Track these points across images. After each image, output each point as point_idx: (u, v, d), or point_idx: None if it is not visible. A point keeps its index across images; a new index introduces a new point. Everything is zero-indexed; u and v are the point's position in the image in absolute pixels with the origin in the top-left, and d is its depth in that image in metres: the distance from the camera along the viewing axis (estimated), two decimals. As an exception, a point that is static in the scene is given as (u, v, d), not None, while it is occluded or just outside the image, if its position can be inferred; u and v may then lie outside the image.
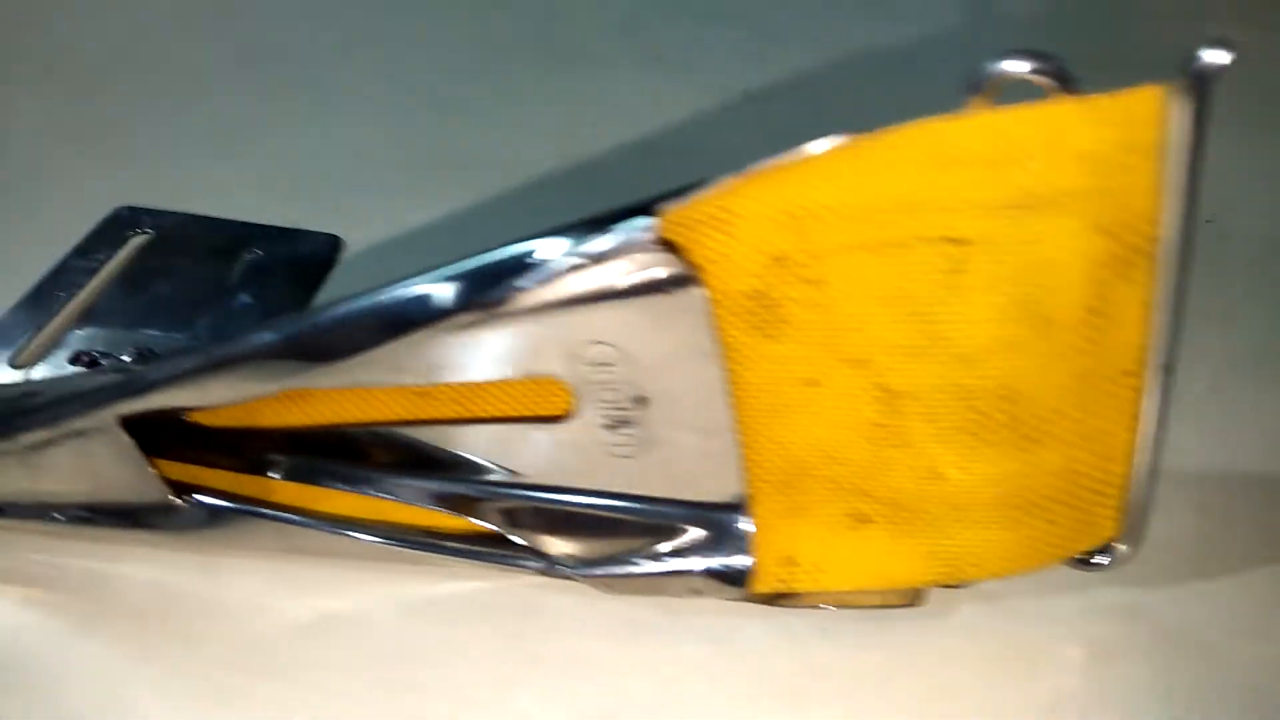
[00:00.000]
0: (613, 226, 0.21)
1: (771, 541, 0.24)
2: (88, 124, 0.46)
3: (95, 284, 0.35)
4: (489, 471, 0.26)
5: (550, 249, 0.21)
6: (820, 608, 0.25)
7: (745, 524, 0.24)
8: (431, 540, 0.26)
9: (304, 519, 0.26)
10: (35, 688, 0.25)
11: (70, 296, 0.35)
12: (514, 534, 0.25)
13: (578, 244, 0.21)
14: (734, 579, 0.25)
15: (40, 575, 0.27)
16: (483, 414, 0.26)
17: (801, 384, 0.23)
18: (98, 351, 0.32)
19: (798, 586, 0.25)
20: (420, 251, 0.36)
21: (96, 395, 0.25)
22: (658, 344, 0.23)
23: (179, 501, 0.26)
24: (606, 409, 0.24)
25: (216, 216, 0.38)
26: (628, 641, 0.25)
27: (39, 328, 0.33)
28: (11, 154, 0.44)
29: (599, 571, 0.25)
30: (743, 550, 0.25)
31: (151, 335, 0.32)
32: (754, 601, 0.25)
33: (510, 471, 0.25)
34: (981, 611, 0.26)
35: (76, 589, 0.27)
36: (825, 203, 0.21)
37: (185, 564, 0.27)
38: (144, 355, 0.31)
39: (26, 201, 0.41)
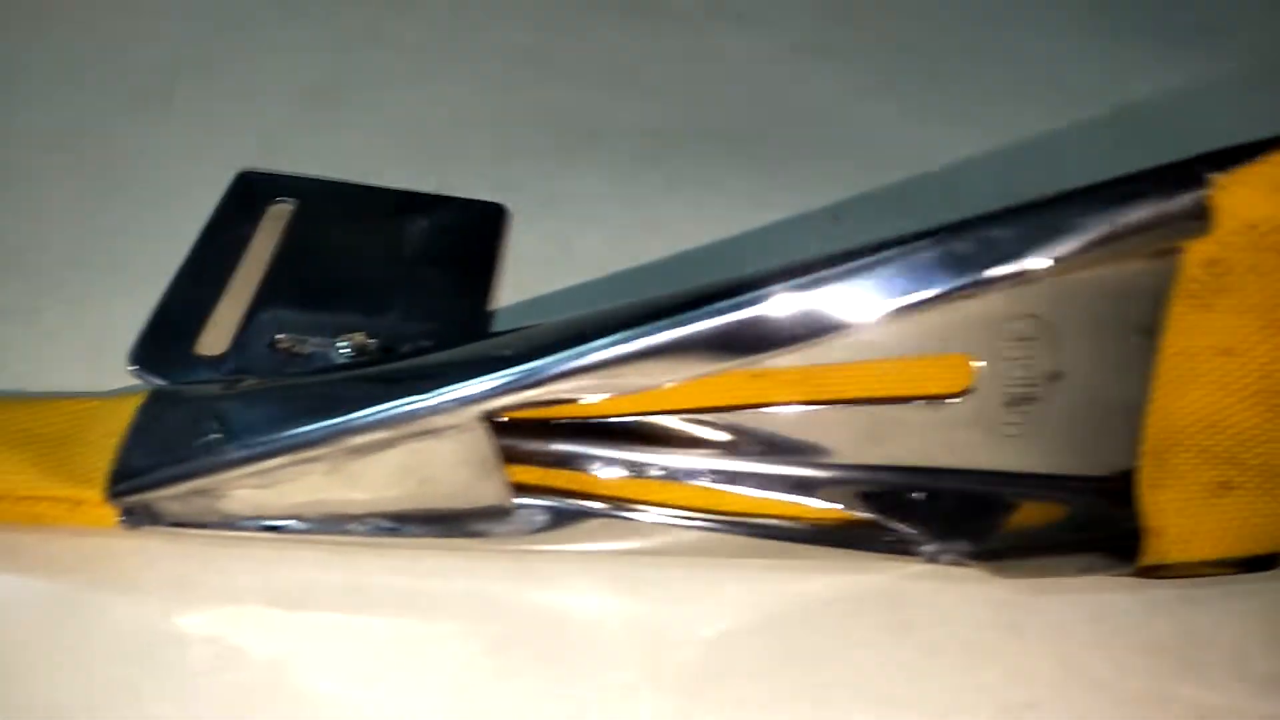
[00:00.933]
0: (1148, 192, 0.20)
1: (1150, 514, 0.24)
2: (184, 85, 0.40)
3: (255, 257, 0.31)
4: (839, 455, 0.24)
5: (1076, 215, 0.20)
6: (1186, 576, 0.25)
7: (1128, 498, 0.24)
8: (806, 531, 0.24)
9: (667, 516, 0.24)
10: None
11: (229, 272, 0.30)
12: (894, 520, 0.24)
13: (1109, 211, 0.20)
14: (1124, 554, 0.24)
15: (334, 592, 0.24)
16: (839, 395, 0.24)
17: (1218, 353, 0.23)
18: (295, 337, 0.28)
19: (1170, 557, 0.25)
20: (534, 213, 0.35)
21: (459, 391, 0.21)
22: (1093, 317, 0.22)
23: (516, 504, 0.23)
24: (1013, 385, 0.23)
25: (350, 182, 0.35)
26: (1012, 625, 0.24)
27: (208, 310, 0.29)
28: (94, 117, 0.38)
29: (991, 558, 0.24)
30: (1128, 525, 0.24)
31: (351, 318, 0.29)
32: (1137, 575, 0.25)
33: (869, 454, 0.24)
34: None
35: (364, 604, 0.23)
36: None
37: (492, 572, 0.24)
38: (387, 348, 0.27)
39: (119, 168, 0.35)
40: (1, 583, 0.23)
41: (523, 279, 0.32)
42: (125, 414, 0.25)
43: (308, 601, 0.23)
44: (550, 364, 0.21)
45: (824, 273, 0.20)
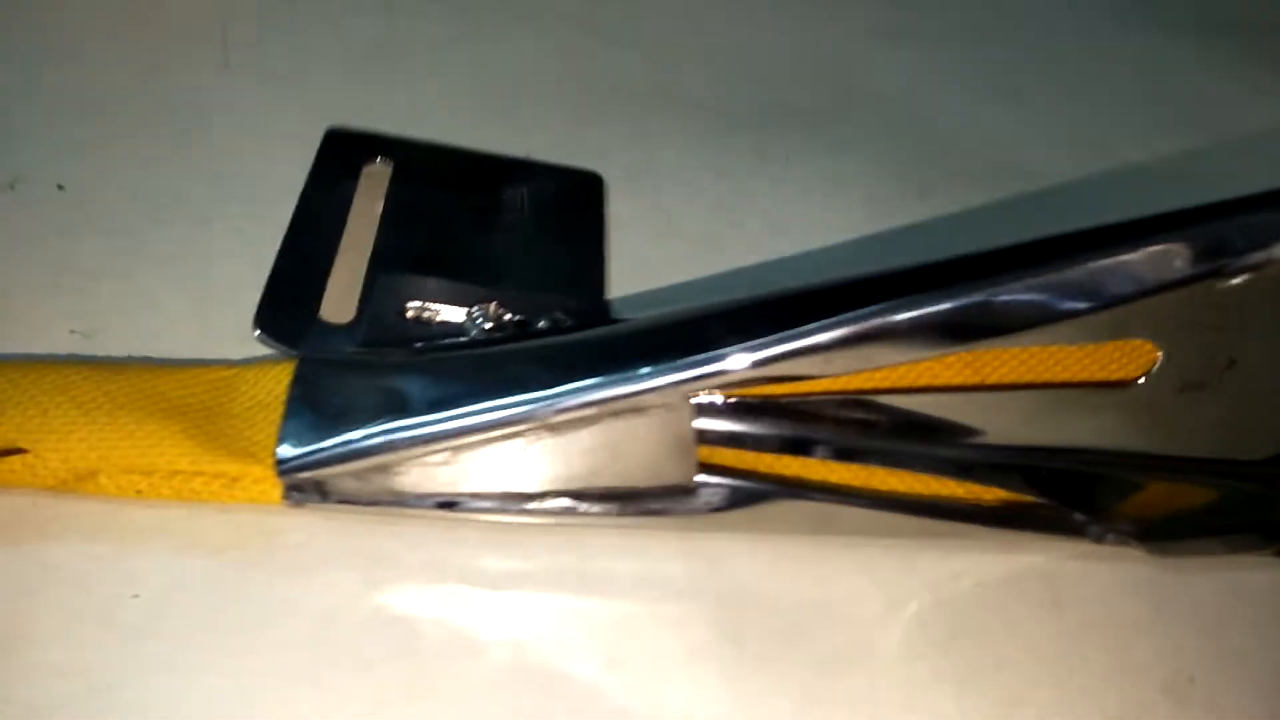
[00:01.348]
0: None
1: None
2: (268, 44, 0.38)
3: (360, 218, 0.29)
4: (1003, 436, 0.24)
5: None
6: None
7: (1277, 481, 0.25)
8: (970, 511, 0.24)
9: (839, 496, 0.24)
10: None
11: (337, 234, 0.29)
12: (1059, 501, 0.24)
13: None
14: (1273, 535, 0.25)
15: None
16: (1008, 380, 0.24)
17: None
18: (425, 305, 0.27)
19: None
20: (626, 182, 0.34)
21: (675, 374, 0.21)
22: (1275, 308, 0.22)
23: (701, 483, 0.23)
24: (1191, 372, 0.23)
25: (441, 144, 0.33)
26: (1161, 602, 0.24)
27: (324, 273, 0.28)
28: (173, 73, 0.35)
29: (1151, 539, 0.24)
30: (1277, 507, 0.25)
31: (474, 287, 0.28)
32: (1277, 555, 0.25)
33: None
34: None
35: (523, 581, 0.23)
36: None
37: (664, 552, 0.24)
38: (522, 321, 0.26)
39: (192, 125, 0.33)
40: (156, 564, 0.22)
41: (628, 248, 0.32)
42: (273, 384, 0.23)
43: (500, 581, 0.23)
44: (767, 344, 0.21)
45: (1062, 262, 0.20)
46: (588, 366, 0.21)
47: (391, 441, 0.21)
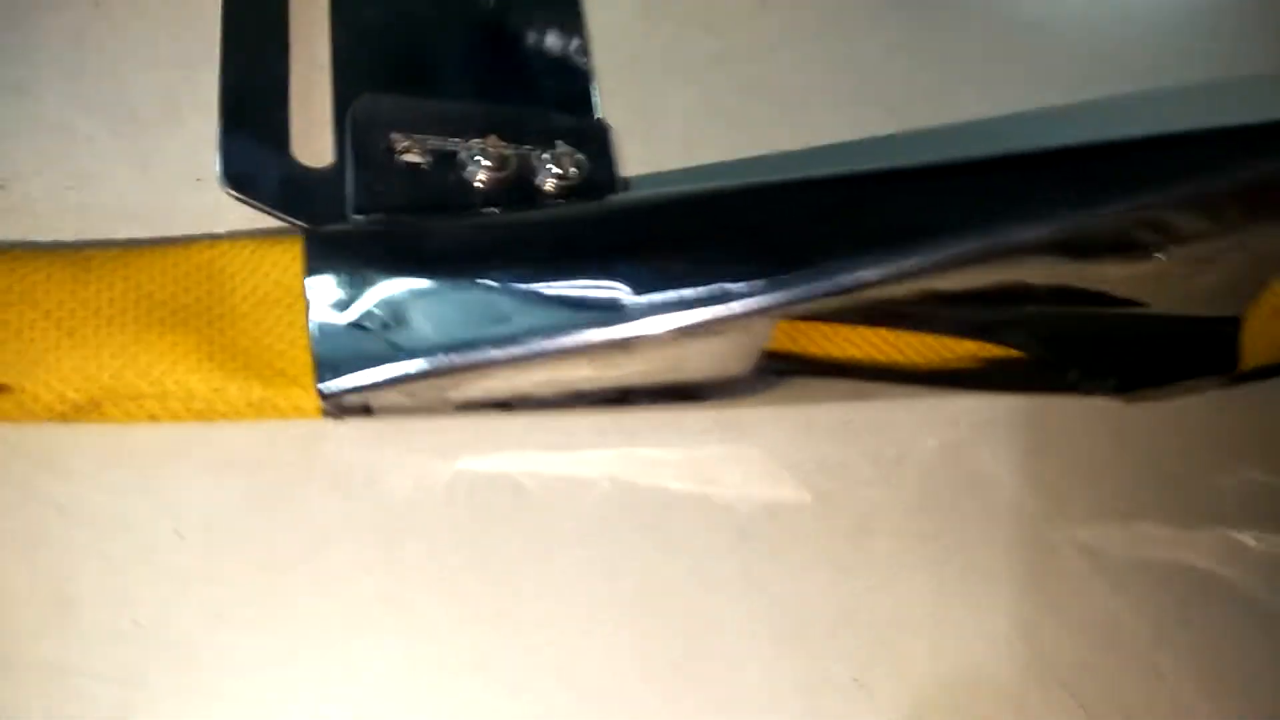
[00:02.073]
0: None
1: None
2: None
3: (304, 6, 0.24)
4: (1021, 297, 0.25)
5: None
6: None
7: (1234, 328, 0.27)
8: (974, 371, 0.25)
9: (860, 370, 0.24)
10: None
11: (283, 35, 0.24)
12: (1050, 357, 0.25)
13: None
14: (1224, 369, 0.27)
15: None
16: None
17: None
18: (414, 137, 0.23)
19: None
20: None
21: (796, 285, 0.19)
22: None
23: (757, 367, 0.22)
24: (1201, 255, 0.24)
25: None
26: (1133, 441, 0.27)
27: (283, 96, 0.23)
28: None
29: (1125, 390, 0.26)
30: (1231, 349, 0.27)
31: (461, 103, 0.24)
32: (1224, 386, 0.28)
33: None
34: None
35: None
36: None
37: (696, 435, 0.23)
38: (561, 159, 0.23)
39: None
40: (190, 492, 0.20)
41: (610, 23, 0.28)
42: (281, 273, 0.20)
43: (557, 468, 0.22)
44: (898, 255, 0.20)
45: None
46: (682, 275, 0.20)
47: (461, 364, 0.20)
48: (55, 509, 0.19)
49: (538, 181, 0.24)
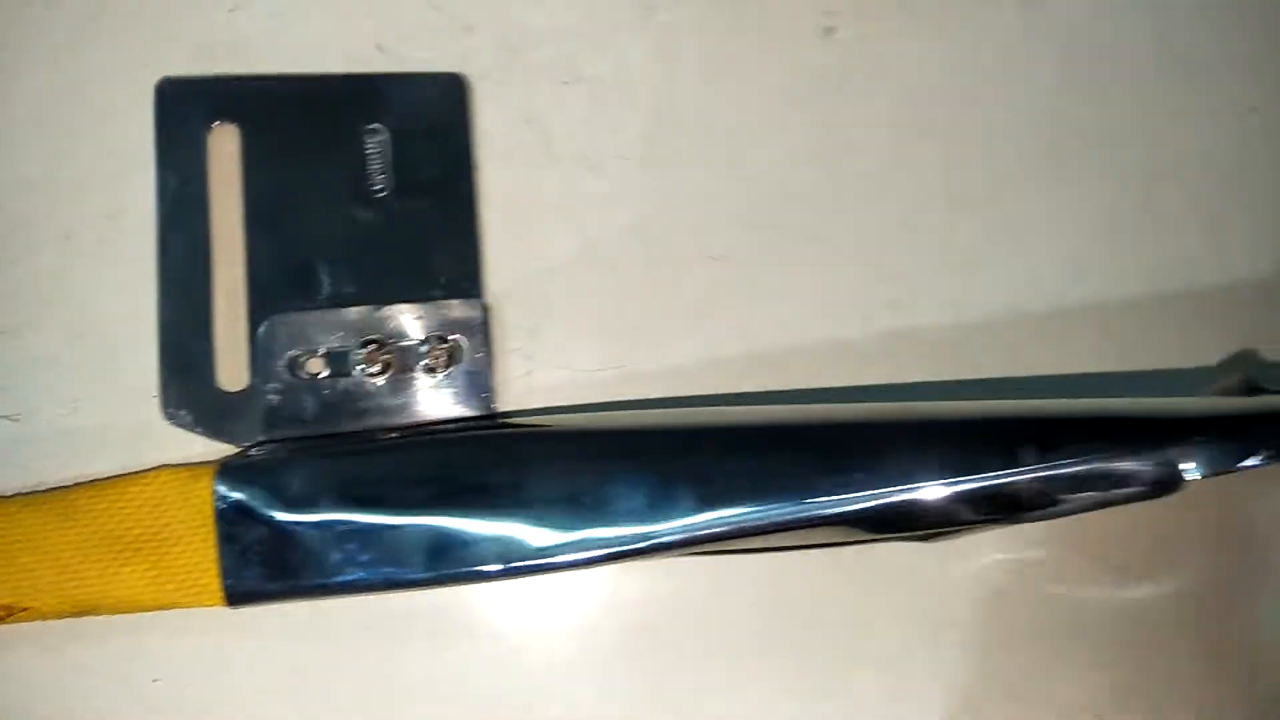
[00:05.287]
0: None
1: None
2: None
3: (223, 222, 0.29)
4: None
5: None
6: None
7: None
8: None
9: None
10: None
11: (205, 258, 0.29)
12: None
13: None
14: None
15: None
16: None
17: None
18: (310, 352, 0.29)
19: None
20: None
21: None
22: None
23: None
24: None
25: (287, 74, 0.30)
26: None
27: (206, 322, 0.28)
28: None
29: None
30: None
31: (349, 304, 0.29)
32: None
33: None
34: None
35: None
36: None
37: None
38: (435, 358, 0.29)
39: None
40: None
41: (500, 188, 0.31)
42: (197, 505, 0.27)
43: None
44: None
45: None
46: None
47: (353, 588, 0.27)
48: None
49: (415, 375, 0.29)
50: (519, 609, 0.30)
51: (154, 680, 0.28)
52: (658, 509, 0.27)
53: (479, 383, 0.29)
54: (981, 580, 0.31)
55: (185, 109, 0.29)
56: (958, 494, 0.26)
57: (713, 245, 0.32)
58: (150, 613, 0.27)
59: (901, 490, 0.26)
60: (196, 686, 0.28)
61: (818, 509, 0.26)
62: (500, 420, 0.29)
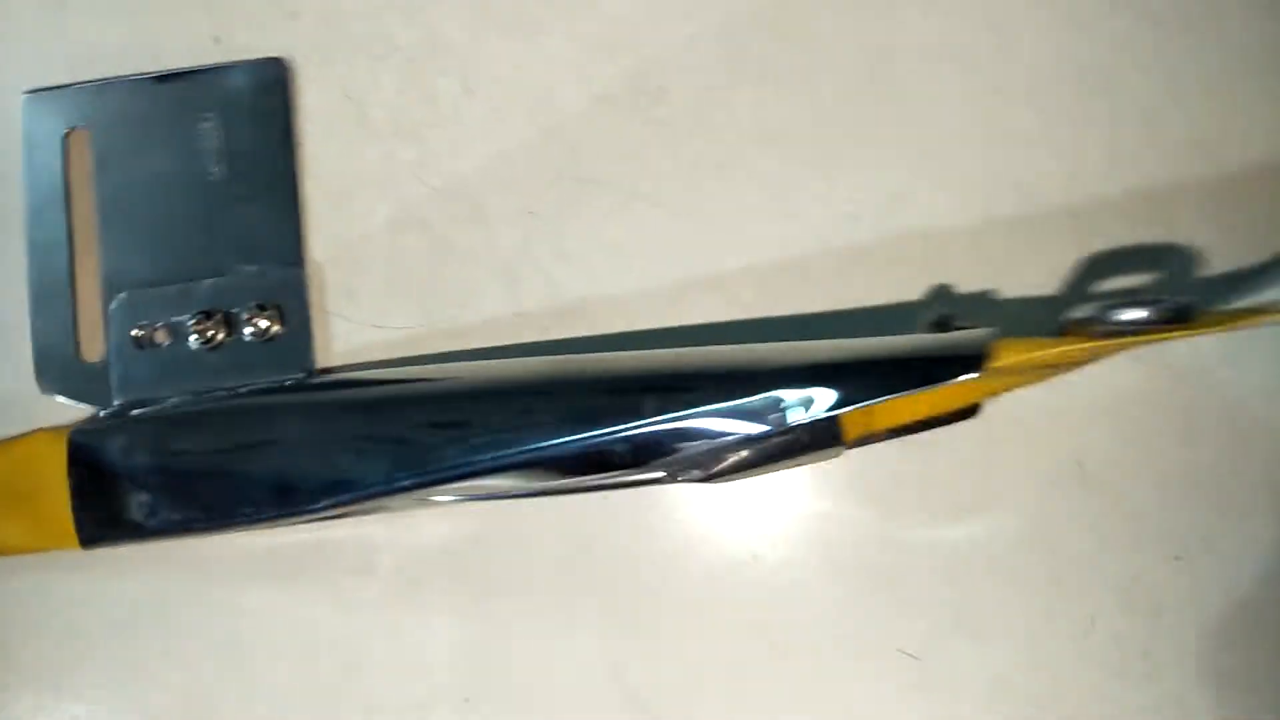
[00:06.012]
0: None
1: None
2: None
3: (81, 216, 0.33)
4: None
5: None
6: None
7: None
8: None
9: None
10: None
11: (66, 244, 0.33)
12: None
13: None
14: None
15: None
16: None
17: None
18: (149, 325, 0.32)
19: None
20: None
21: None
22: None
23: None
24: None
25: (130, 76, 0.34)
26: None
27: (68, 301, 0.33)
28: None
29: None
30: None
31: (183, 278, 0.32)
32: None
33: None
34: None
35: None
36: None
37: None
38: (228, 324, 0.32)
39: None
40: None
41: (322, 161, 0.34)
42: (54, 468, 0.32)
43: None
44: None
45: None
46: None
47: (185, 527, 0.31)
48: None
49: (243, 339, 0.32)
50: (363, 551, 0.33)
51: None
52: (416, 453, 0.30)
53: (299, 344, 0.33)
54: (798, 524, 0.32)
55: (44, 119, 0.34)
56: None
57: (528, 203, 0.33)
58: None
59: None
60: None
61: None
62: (312, 379, 0.33)
